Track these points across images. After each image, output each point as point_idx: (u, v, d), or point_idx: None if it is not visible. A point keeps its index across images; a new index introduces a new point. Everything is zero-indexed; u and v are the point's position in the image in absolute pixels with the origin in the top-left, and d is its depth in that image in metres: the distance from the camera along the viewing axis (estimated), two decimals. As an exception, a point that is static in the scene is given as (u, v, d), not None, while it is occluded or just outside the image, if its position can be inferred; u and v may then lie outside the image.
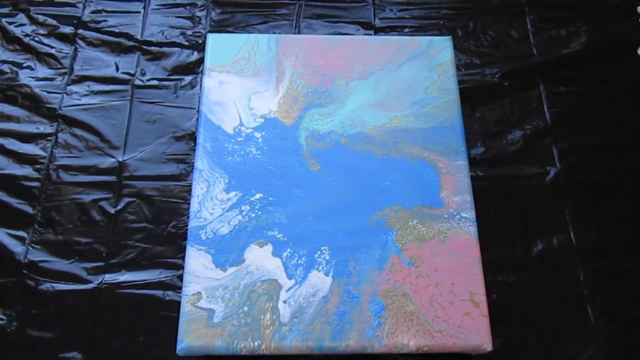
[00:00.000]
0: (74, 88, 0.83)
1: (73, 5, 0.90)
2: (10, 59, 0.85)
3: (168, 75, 0.84)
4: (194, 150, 0.70)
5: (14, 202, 0.74)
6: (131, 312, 0.67)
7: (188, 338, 0.56)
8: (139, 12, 0.90)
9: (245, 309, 0.57)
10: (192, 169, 0.71)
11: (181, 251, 0.70)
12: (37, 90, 0.82)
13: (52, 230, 0.72)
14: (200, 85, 0.80)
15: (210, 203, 0.63)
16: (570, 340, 0.67)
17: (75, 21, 0.88)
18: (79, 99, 0.82)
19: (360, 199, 0.63)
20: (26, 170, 0.76)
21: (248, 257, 0.60)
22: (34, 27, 0.88)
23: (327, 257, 0.60)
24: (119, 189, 0.75)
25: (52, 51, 0.86)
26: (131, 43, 0.87)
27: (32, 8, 0.89)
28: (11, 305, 0.67)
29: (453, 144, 0.67)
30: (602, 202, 0.76)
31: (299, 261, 0.60)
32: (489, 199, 0.75)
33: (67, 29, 0.87)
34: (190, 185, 0.72)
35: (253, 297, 0.58)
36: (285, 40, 0.73)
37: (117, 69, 0.85)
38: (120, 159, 0.77)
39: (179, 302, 0.58)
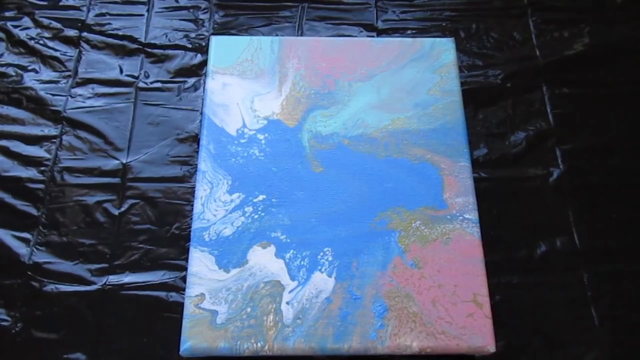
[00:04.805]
0: (78, 91, 0.83)
1: (77, 8, 0.91)
2: (15, 62, 0.85)
3: (171, 77, 0.85)
4: (198, 152, 0.70)
5: (18, 203, 0.74)
6: (135, 313, 0.68)
7: (191, 339, 0.56)
8: (142, 15, 0.90)
9: (248, 310, 0.58)
10: (196, 170, 0.71)
11: (184, 253, 0.71)
12: (41, 93, 0.83)
13: (57, 232, 0.72)
14: (204, 88, 0.80)
15: (214, 205, 0.63)
16: (573, 342, 0.67)
17: (79, 24, 0.89)
18: (83, 102, 0.82)
19: (363, 200, 0.63)
20: (31, 172, 0.77)
21: (251, 258, 0.60)
22: (38, 30, 0.88)
23: (330, 259, 0.60)
24: (123, 191, 0.75)
25: (57, 54, 0.86)
26: (135, 46, 0.87)
27: (36, 11, 0.90)
28: (16, 307, 0.68)
29: (456, 145, 0.67)
30: (606, 203, 0.76)
31: (302, 262, 0.60)
32: (492, 200, 0.75)
33: (71, 32, 0.88)
34: (194, 187, 0.72)
35: (256, 298, 0.58)
36: (288, 43, 0.74)
37: (121, 71, 0.85)
38: (124, 161, 0.78)
39: (183, 304, 0.58)
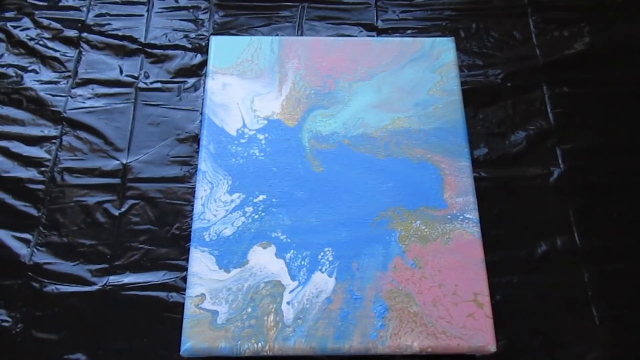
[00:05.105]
0: (78, 91, 0.83)
1: (77, 9, 0.91)
2: (15, 63, 0.85)
3: (171, 77, 0.85)
4: (198, 152, 0.70)
5: (19, 204, 0.74)
6: (135, 313, 0.68)
7: (192, 339, 0.56)
8: (142, 15, 0.90)
9: (249, 310, 0.57)
10: (196, 171, 0.71)
11: (185, 253, 0.71)
12: (41, 94, 0.83)
13: (57, 233, 0.72)
14: (204, 88, 0.80)
15: (214, 205, 0.63)
16: (574, 341, 0.67)
17: (79, 25, 0.89)
18: (83, 102, 0.82)
19: (363, 200, 0.63)
20: (31, 173, 0.77)
21: (251, 258, 0.60)
22: (38, 30, 0.88)
23: (331, 258, 0.60)
24: (123, 191, 0.75)
25: (57, 54, 0.86)
26: (135, 46, 0.87)
27: (36, 12, 0.90)
28: (16, 307, 0.68)
29: (456, 145, 0.67)
30: (606, 203, 0.76)
31: (302, 262, 0.60)
32: (492, 200, 0.75)
33: (71, 33, 0.88)
34: (194, 187, 0.72)
35: (256, 298, 0.58)
36: (288, 42, 0.74)
37: (121, 72, 0.85)
38: (124, 162, 0.78)
39: (183, 304, 0.58)
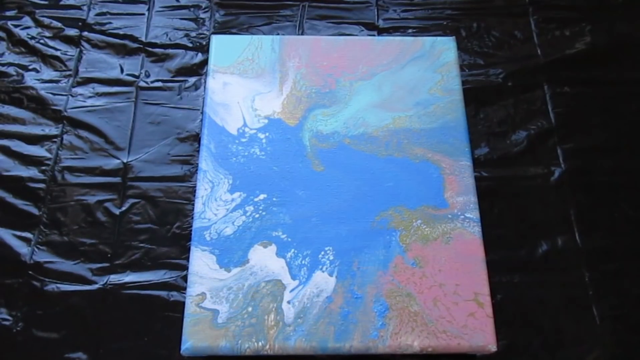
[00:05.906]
0: (79, 90, 0.83)
1: (78, 7, 0.91)
2: (15, 62, 0.85)
3: (172, 76, 0.85)
4: (198, 151, 0.70)
5: (19, 203, 0.74)
6: (136, 312, 0.68)
7: (192, 338, 0.56)
8: (143, 14, 0.90)
9: (249, 309, 0.58)
10: (197, 170, 0.71)
11: (185, 252, 0.71)
12: (42, 93, 0.83)
13: (58, 231, 0.72)
14: (204, 87, 0.80)
15: (215, 204, 0.63)
16: (575, 341, 0.67)
17: (80, 23, 0.89)
18: (84, 101, 0.82)
19: (364, 199, 0.63)
20: (32, 172, 0.77)
21: (252, 257, 0.60)
22: (39, 29, 0.88)
23: (331, 258, 0.60)
24: (124, 190, 0.75)
25: (58, 53, 0.86)
26: (136, 45, 0.87)
27: (37, 11, 0.90)
28: (17, 306, 0.68)
29: (457, 144, 0.67)
30: (607, 202, 0.76)
31: (303, 262, 0.60)
32: (493, 199, 0.75)
33: (72, 32, 0.88)
34: (195, 186, 0.72)
35: (257, 297, 0.58)
36: (289, 42, 0.74)
37: (122, 70, 0.85)
38: (125, 161, 0.78)
39: (184, 303, 0.58)
